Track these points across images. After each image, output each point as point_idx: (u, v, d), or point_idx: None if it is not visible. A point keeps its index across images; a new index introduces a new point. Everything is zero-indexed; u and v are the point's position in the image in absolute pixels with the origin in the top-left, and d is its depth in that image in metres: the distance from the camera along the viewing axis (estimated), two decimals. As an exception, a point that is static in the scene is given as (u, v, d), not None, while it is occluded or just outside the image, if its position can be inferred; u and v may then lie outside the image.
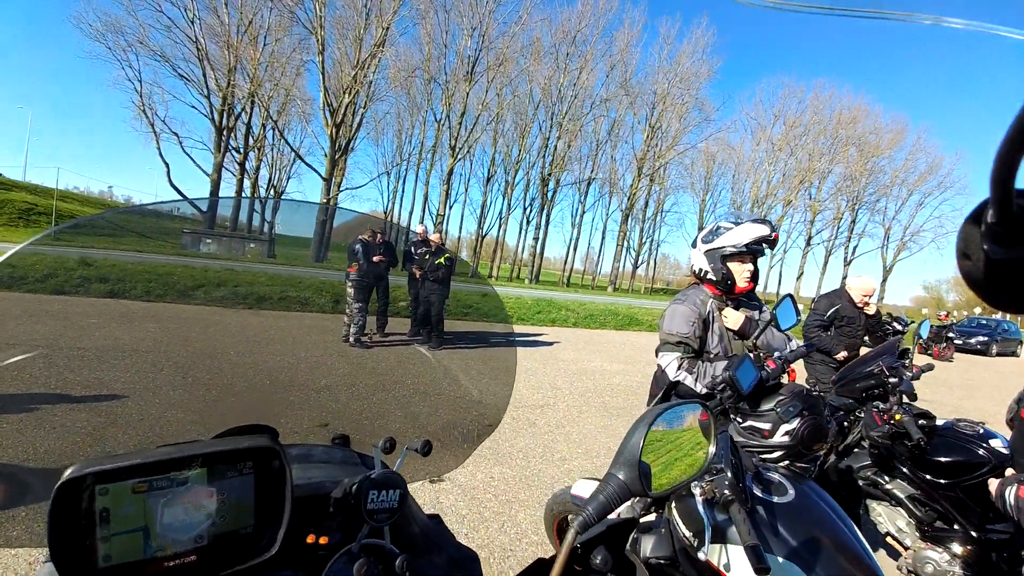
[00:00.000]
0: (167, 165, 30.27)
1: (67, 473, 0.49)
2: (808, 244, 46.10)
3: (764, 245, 2.07)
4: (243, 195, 35.24)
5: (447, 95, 35.22)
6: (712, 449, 0.77)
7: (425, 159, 41.11)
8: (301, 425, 0.96)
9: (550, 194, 41.73)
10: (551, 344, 9.52)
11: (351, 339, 2.24)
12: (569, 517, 2.12)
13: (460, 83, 34.84)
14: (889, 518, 2.49)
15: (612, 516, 1.22)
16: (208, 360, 1.27)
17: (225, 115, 31.58)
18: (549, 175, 40.50)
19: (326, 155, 28.91)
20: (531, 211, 43.25)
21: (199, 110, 31.49)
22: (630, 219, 44.60)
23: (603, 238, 51.25)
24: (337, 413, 1.07)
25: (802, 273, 46.40)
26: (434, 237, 7.76)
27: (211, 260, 2.00)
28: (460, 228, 48.16)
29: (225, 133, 31.77)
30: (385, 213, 46.49)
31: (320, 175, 29.33)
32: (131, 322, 1.25)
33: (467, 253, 50.36)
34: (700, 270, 2.22)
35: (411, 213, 46.10)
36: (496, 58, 34.63)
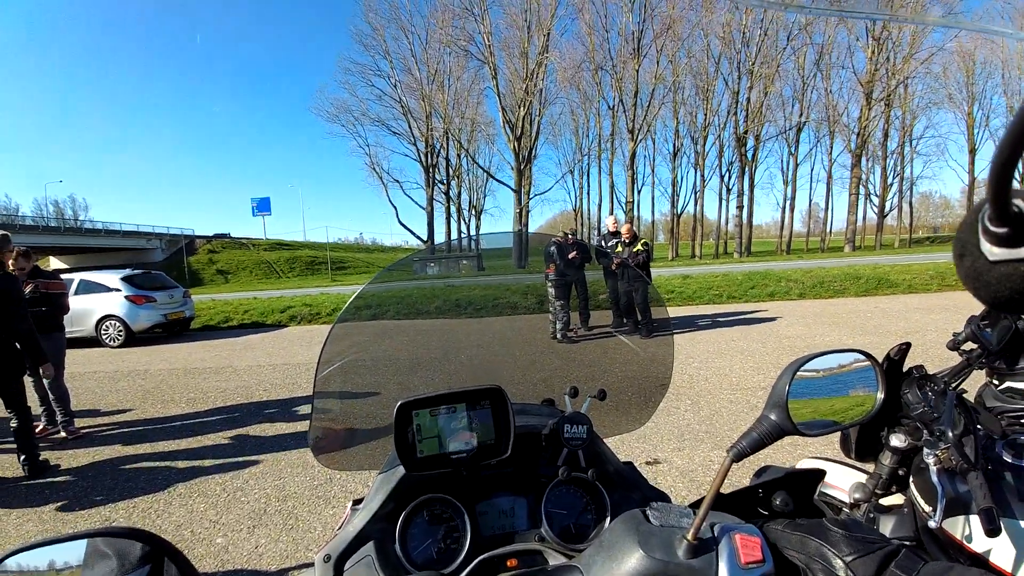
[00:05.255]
0: (395, 208, 37.63)
1: (398, 403, 0.81)
2: None
3: None
4: (451, 217, 40.58)
5: (616, 79, 34.28)
6: (880, 396, 0.73)
7: (605, 149, 40.61)
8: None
9: (750, 154, 36.82)
10: (771, 320, 8.39)
11: (558, 335, 2.38)
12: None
13: (628, 62, 33.58)
14: None
15: (801, 466, 1.25)
16: (442, 363, 1.53)
17: (429, 155, 37.23)
18: (746, 132, 35.78)
19: (512, 168, 31.17)
20: (730, 178, 38.86)
21: (410, 156, 38.02)
22: (864, 159, 35.99)
23: (829, 190, 41.34)
24: (546, 392, 1.25)
25: None
26: (625, 227, 7.56)
27: (437, 280, 2.37)
28: (652, 211, 45.69)
29: (431, 171, 37.41)
30: (575, 210, 47.57)
31: (510, 187, 31.77)
32: (390, 335, 1.64)
33: (664, 236, 47.88)
34: None
35: (599, 206, 45.86)
36: (663, 23, 32.36)
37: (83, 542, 0.62)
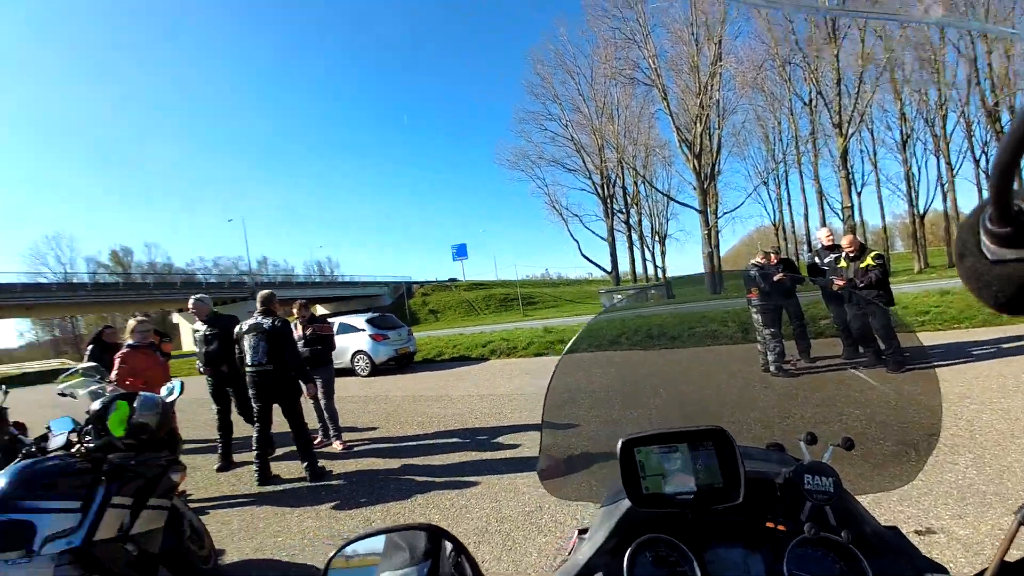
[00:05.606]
0: (577, 241, 38.97)
1: (620, 440, 0.84)
2: None
3: None
4: (634, 246, 40.04)
5: (811, 70, 29.77)
6: None
7: (805, 151, 35.31)
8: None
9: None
10: (1103, 345, 6.00)
11: (771, 367, 2.14)
12: None
13: (823, 49, 28.99)
14: None
15: None
16: (652, 397, 1.53)
17: (605, 186, 37.94)
18: (996, 105, 27.25)
19: (695, 188, 29.41)
20: (987, 160, 29.78)
21: (587, 190, 39.41)
22: None
23: None
24: (764, 434, 1.14)
25: None
26: (847, 239, 6.19)
27: (627, 311, 2.38)
28: (882, 214, 36.28)
29: (608, 201, 37.93)
30: (774, 225, 42.24)
31: (694, 208, 29.95)
32: (612, 367, 1.70)
33: (903, 243, 38.87)
34: None
35: (805, 216, 39.24)
36: (867, -4, 27.33)
37: (383, 536, 0.80)
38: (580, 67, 35.85)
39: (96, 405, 2.50)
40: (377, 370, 11.25)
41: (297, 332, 5.50)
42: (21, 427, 4.13)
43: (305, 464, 4.52)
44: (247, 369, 4.54)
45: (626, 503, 0.86)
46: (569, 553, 0.96)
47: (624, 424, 1.42)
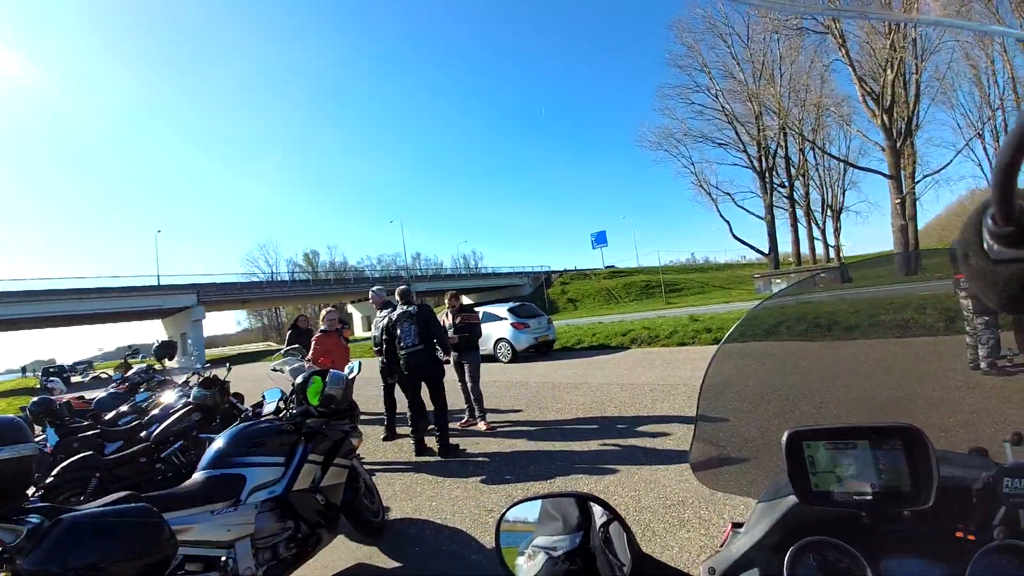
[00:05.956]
0: (727, 222, 35.44)
1: (786, 432, 0.77)
2: None
3: None
4: (798, 223, 35.17)
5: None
6: None
7: (1028, 95, 26.88)
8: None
9: None
10: None
11: (982, 364, 1.75)
12: None
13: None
14: None
15: None
16: (825, 391, 1.37)
17: (762, 159, 33.83)
18: None
19: (883, 148, 24.52)
20: None
21: (740, 164, 35.61)
22: None
23: None
24: (966, 440, 0.99)
25: None
26: None
27: (795, 298, 2.13)
28: None
29: (767, 175, 33.79)
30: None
31: (881, 174, 25.07)
32: (773, 359, 1.57)
33: None
34: None
35: (1042, 172, 30.20)
36: None
37: (539, 504, 0.86)
38: (734, 26, 32.46)
39: (299, 379, 3.09)
40: (518, 357, 11.76)
41: (448, 320, 6.05)
42: (239, 397, 5.28)
43: (438, 438, 4.99)
44: (401, 352, 5.17)
45: (791, 499, 0.81)
46: (722, 545, 0.93)
47: (788, 419, 1.32)
